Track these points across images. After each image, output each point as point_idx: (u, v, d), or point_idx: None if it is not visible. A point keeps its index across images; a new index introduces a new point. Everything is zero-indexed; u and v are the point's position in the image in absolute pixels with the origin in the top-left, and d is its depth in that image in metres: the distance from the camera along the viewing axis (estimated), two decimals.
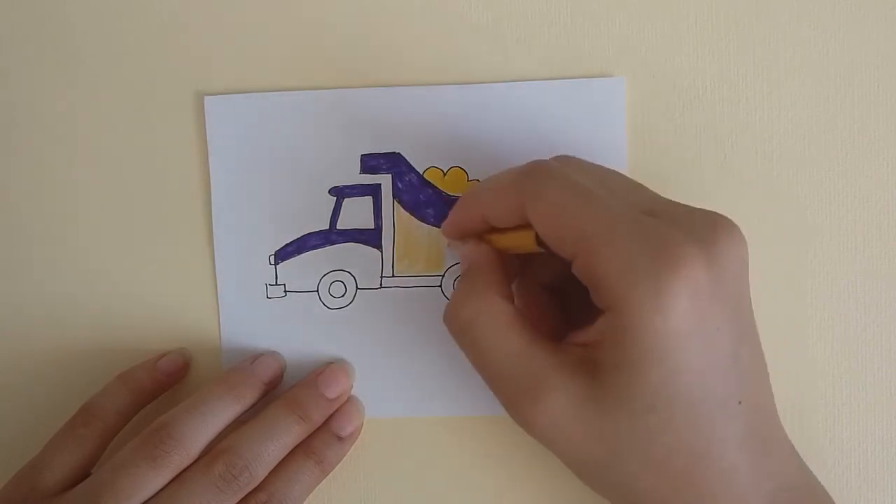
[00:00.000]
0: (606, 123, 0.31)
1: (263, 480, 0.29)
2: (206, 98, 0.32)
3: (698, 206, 0.25)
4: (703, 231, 0.23)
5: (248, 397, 0.30)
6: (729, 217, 0.25)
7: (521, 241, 0.26)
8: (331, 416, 0.31)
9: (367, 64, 0.32)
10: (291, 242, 0.32)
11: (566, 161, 0.27)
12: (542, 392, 0.24)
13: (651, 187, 0.31)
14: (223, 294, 0.32)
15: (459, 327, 0.26)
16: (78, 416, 0.30)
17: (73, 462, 0.29)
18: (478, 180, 0.32)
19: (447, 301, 0.32)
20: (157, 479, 0.27)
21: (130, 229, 0.33)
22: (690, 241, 0.23)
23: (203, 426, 0.29)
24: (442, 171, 0.32)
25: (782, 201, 0.31)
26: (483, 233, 0.28)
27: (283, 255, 0.32)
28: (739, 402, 0.23)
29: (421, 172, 0.32)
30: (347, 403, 0.31)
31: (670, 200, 0.25)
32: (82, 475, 0.30)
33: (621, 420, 0.23)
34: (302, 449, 0.30)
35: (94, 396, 0.31)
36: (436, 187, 0.32)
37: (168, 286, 0.33)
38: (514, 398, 0.25)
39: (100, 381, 0.31)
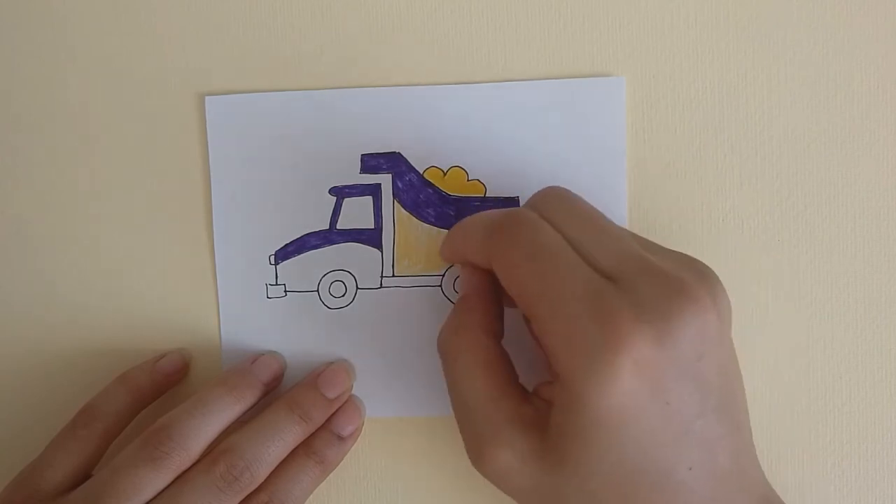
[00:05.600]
0: (606, 123, 0.31)
1: (264, 481, 0.29)
2: (207, 98, 0.32)
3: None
4: (660, 304, 0.23)
5: (249, 398, 0.30)
6: (708, 273, 0.24)
7: None
8: (331, 416, 0.31)
9: (367, 64, 0.32)
10: (291, 242, 0.32)
11: (548, 202, 0.26)
12: (493, 442, 0.25)
13: (651, 188, 0.31)
14: (223, 294, 0.32)
15: (443, 356, 0.27)
16: (78, 418, 0.30)
17: (74, 463, 0.29)
18: (478, 180, 0.32)
19: (447, 301, 0.32)
20: (157, 481, 0.27)
21: (130, 229, 0.33)
22: (638, 319, 0.22)
23: (203, 427, 0.29)
24: (442, 171, 0.32)
25: (782, 201, 0.31)
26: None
27: (283, 255, 0.32)
28: (690, 469, 0.23)
29: (421, 172, 0.32)
30: (348, 403, 0.31)
31: (641, 256, 0.24)
32: (83, 477, 0.30)
33: (565, 482, 0.24)
34: (303, 449, 0.30)
35: (94, 398, 0.31)
36: (436, 187, 0.32)
37: (168, 286, 0.33)
38: (470, 439, 0.26)
39: (100, 382, 0.31)
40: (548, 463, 0.24)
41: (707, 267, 0.25)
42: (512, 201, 0.32)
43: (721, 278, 0.32)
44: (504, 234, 0.25)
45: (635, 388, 0.22)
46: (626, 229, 0.27)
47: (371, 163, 0.32)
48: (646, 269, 0.24)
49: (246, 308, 0.32)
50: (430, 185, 0.32)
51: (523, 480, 0.25)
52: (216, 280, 0.32)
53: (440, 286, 0.32)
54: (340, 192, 0.32)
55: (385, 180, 0.32)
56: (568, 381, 0.23)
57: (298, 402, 0.30)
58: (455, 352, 0.26)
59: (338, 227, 0.32)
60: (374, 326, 0.32)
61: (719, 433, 0.24)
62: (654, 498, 0.23)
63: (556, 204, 0.26)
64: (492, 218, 0.26)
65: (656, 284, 0.23)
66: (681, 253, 0.26)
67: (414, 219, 0.32)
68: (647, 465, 0.23)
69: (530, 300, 0.24)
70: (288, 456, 0.30)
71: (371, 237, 0.32)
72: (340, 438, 0.31)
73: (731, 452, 0.24)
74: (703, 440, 0.23)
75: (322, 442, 0.30)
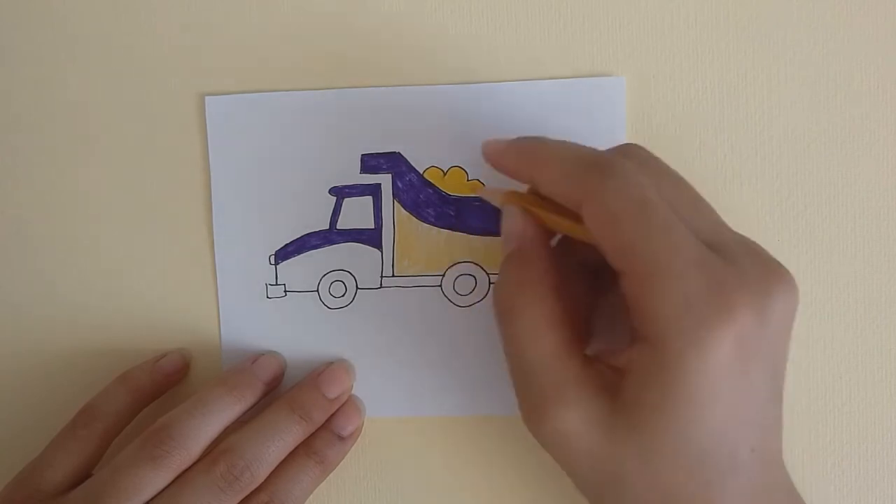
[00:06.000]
0: (606, 123, 0.31)
1: (265, 481, 0.29)
2: (207, 98, 0.32)
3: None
4: (759, 278, 0.23)
5: (249, 397, 0.30)
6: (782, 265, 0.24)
7: (575, 232, 0.25)
8: (331, 416, 0.31)
9: (367, 64, 0.32)
10: (291, 242, 0.32)
11: (634, 155, 0.26)
12: (559, 402, 0.24)
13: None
14: (223, 294, 0.32)
15: (503, 314, 0.25)
16: (78, 417, 0.30)
17: (74, 463, 0.29)
18: (478, 180, 0.32)
19: (447, 301, 0.32)
20: (157, 480, 0.28)
21: (130, 229, 0.33)
22: (745, 290, 0.22)
23: (204, 426, 0.29)
24: (442, 170, 0.32)
25: (782, 201, 0.31)
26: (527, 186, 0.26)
27: (283, 254, 0.32)
28: (752, 450, 0.23)
29: (421, 172, 0.32)
30: (348, 403, 0.31)
31: (728, 229, 0.25)
32: (83, 476, 0.30)
33: (629, 453, 0.23)
34: (303, 449, 0.30)
35: (95, 397, 0.31)
36: (436, 187, 0.32)
37: (168, 286, 0.33)
38: (532, 401, 0.25)
39: (100, 382, 0.31)
40: (615, 431, 0.23)
41: None
42: None
43: None
44: (608, 178, 0.23)
45: (731, 360, 0.22)
46: None
47: (371, 163, 0.32)
48: (745, 246, 0.24)
49: (246, 308, 0.32)
50: (430, 185, 0.32)
51: (583, 445, 0.24)
52: (216, 280, 0.32)
53: (440, 286, 0.32)
54: (340, 192, 0.32)
55: (385, 180, 0.32)
56: (663, 348, 0.22)
57: (299, 402, 0.30)
58: (519, 308, 0.25)
59: (338, 227, 0.32)
60: (374, 326, 0.32)
61: (776, 417, 0.24)
62: (714, 480, 0.23)
63: (651, 163, 0.25)
64: (587, 153, 0.25)
65: (757, 262, 0.23)
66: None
67: (414, 219, 0.32)
68: (716, 445, 0.23)
69: (632, 254, 0.23)
70: (288, 456, 0.30)
71: (371, 237, 0.32)
72: (340, 438, 0.31)
73: (779, 440, 0.24)
74: (765, 423, 0.23)
75: (322, 442, 0.30)
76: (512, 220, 0.26)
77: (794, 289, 0.23)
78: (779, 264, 0.24)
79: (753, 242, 0.25)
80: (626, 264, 0.23)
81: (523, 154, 0.26)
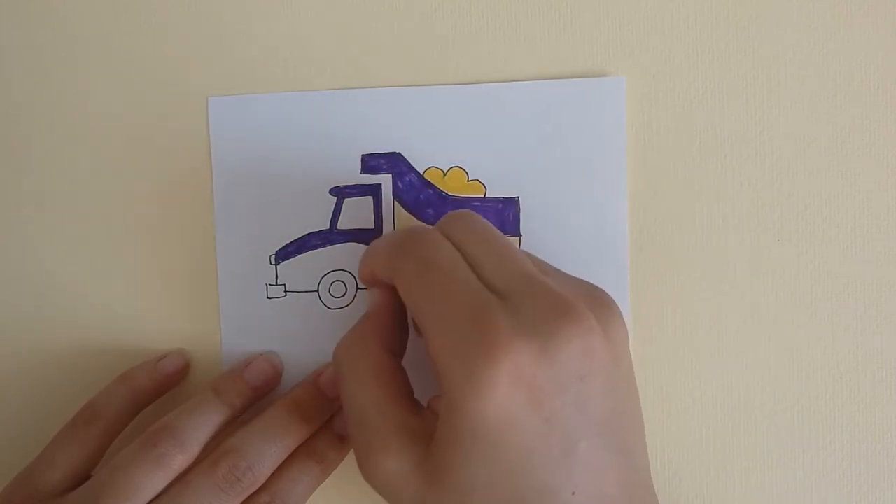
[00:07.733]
0: (606, 123, 0.31)
1: (266, 481, 0.29)
2: (211, 99, 0.32)
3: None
4: (546, 322, 0.23)
5: (238, 403, 0.30)
6: (602, 299, 0.24)
7: None
8: (332, 416, 0.31)
9: (367, 64, 0.32)
10: (292, 242, 0.32)
11: (452, 222, 0.27)
12: (380, 450, 0.25)
13: (651, 188, 0.31)
14: (223, 294, 0.32)
15: (337, 364, 0.27)
16: (78, 417, 0.30)
17: (74, 463, 0.29)
18: (478, 180, 0.32)
19: None
20: (157, 481, 0.27)
21: (132, 229, 0.33)
22: (517, 332, 0.22)
23: (203, 427, 0.29)
24: (442, 171, 0.32)
25: (782, 201, 0.31)
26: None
27: (283, 254, 0.32)
28: (573, 493, 0.23)
29: (421, 172, 0.32)
30: None
31: (533, 276, 0.24)
32: (83, 476, 0.30)
33: (446, 496, 0.24)
34: (304, 449, 0.30)
35: (95, 397, 0.31)
36: (436, 187, 0.32)
37: (168, 286, 0.33)
38: (358, 447, 0.26)
39: (100, 382, 0.31)
40: (430, 474, 0.24)
41: (605, 294, 0.25)
42: (512, 201, 0.32)
43: (721, 278, 0.32)
44: (404, 249, 0.26)
45: (513, 400, 0.22)
46: (528, 254, 0.27)
47: (371, 163, 0.32)
48: (534, 288, 0.24)
49: (246, 308, 0.32)
50: (430, 185, 0.32)
51: (407, 492, 0.25)
52: (216, 280, 0.32)
53: None
54: (341, 193, 0.32)
55: (385, 180, 0.32)
56: (449, 390, 0.23)
57: (300, 403, 0.30)
58: (349, 360, 0.27)
59: (338, 227, 0.32)
60: None
61: (607, 459, 0.24)
62: None
63: (460, 224, 0.27)
64: (396, 235, 0.27)
65: (541, 302, 0.23)
66: (582, 280, 0.26)
67: (414, 219, 0.32)
68: (529, 485, 0.23)
69: (421, 312, 0.25)
70: (289, 456, 0.30)
71: (371, 237, 0.32)
72: (341, 438, 0.31)
73: (620, 481, 0.24)
74: (588, 465, 0.23)
75: (323, 442, 0.30)
76: (372, 293, 0.28)
77: (587, 328, 0.23)
78: (566, 302, 0.23)
79: (566, 285, 0.25)
80: (418, 322, 0.25)
81: (363, 258, 0.28)
